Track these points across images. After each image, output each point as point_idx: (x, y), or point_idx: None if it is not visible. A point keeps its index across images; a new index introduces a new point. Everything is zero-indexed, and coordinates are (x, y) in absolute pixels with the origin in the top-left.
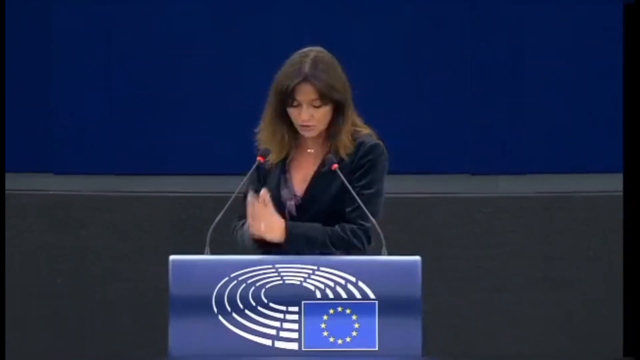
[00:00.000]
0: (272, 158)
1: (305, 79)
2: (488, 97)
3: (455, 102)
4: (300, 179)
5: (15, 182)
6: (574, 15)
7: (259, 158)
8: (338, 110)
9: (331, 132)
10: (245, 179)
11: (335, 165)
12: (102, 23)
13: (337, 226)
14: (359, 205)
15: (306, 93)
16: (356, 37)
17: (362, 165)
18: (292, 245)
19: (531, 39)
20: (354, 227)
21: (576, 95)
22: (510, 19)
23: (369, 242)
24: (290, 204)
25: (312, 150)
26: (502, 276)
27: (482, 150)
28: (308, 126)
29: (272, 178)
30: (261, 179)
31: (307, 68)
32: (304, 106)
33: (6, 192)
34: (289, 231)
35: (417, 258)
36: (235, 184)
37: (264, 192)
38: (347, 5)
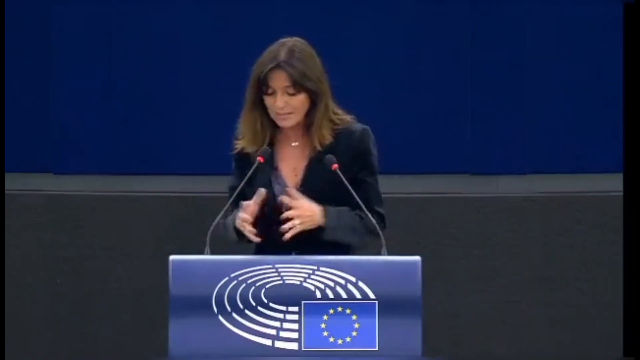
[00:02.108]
0: (248, 147)
1: (278, 66)
2: (488, 97)
3: (455, 102)
4: (290, 173)
5: (15, 182)
6: (574, 15)
7: (259, 158)
8: (313, 101)
9: (307, 122)
10: (245, 178)
11: (335, 166)
12: (102, 23)
13: (356, 211)
14: (365, 193)
15: (279, 79)
16: (355, 36)
17: (358, 152)
18: (330, 230)
19: (531, 38)
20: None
21: (576, 95)
22: (510, 19)
23: (383, 227)
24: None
25: (297, 143)
26: (502, 276)
27: (482, 150)
28: (284, 114)
29: (261, 176)
30: (249, 164)
31: (282, 55)
32: (279, 93)
33: (6, 192)
34: (326, 213)
35: (417, 258)
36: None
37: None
38: (346, 4)
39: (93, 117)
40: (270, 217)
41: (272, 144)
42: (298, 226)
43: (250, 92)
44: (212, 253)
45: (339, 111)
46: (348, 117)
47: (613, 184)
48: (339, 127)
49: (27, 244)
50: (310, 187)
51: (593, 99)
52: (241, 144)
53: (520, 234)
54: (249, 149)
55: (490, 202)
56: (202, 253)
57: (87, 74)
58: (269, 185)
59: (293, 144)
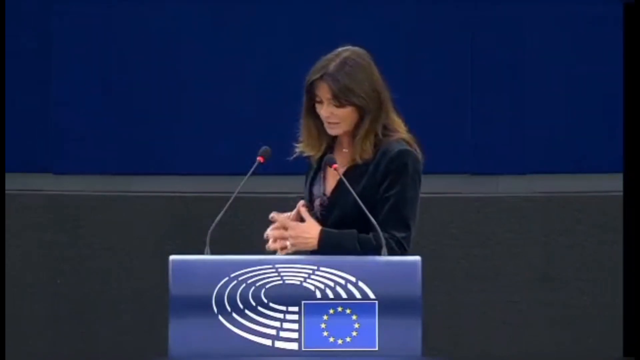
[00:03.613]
0: (306, 151)
1: (323, 77)
2: (488, 97)
3: (456, 102)
4: (332, 178)
5: (15, 182)
6: (574, 15)
7: (258, 158)
8: (362, 114)
9: (354, 134)
10: (245, 178)
11: (335, 166)
12: (102, 23)
13: (370, 234)
14: (386, 214)
15: (323, 91)
16: (355, 36)
17: (388, 172)
18: (323, 251)
19: (531, 38)
20: (387, 235)
21: (576, 96)
22: (510, 19)
23: (404, 251)
24: (317, 204)
25: (347, 150)
26: (502, 276)
27: (482, 150)
28: (331, 123)
29: (310, 173)
30: (307, 178)
31: (331, 67)
32: (325, 103)
33: (6, 192)
34: (321, 237)
35: (417, 258)
36: (235, 184)
37: (299, 204)
38: (346, 4)
39: (93, 117)
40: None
41: (331, 148)
42: (290, 247)
43: (304, 99)
44: (212, 253)
45: (399, 127)
46: (397, 135)
47: (613, 184)
48: (380, 143)
49: (27, 244)
50: (338, 196)
51: (593, 99)
52: (300, 147)
53: (520, 234)
54: (307, 153)
55: (490, 202)
56: (202, 253)
57: (87, 74)
58: (311, 185)
59: (344, 150)
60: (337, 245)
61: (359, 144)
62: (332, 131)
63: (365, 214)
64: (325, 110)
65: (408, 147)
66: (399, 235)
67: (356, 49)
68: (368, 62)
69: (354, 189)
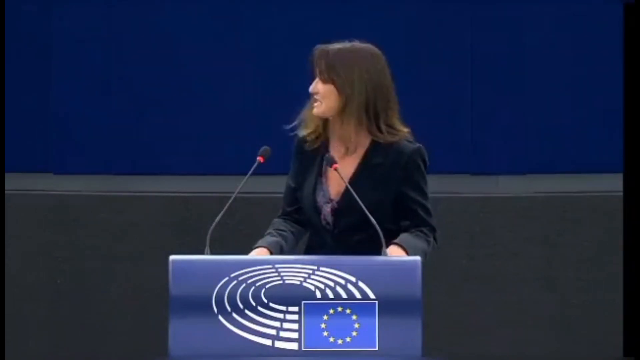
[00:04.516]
0: (302, 132)
1: (321, 49)
2: (488, 97)
3: (455, 102)
4: (336, 182)
5: (15, 182)
6: (574, 15)
7: (258, 158)
8: (345, 100)
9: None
10: (245, 178)
11: (336, 165)
12: (102, 23)
13: (421, 234)
14: (418, 210)
15: (318, 64)
16: (355, 36)
17: (409, 170)
18: None
19: (531, 38)
20: (428, 229)
21: (576, 95)
22: (510, 19)
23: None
24: (326, 210)
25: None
26: (501, 276)
27: (482, 150)
28: (315, 100)
29: (310, 179)
30: (302, 166)
31: (333, 46)
32: (317, 78)
33: (6, 192)
34: (408, 253)
35: (417, 258)
36: (235, 184)
37: None
38: (346, 4)
39: (93, 117)
40: (316, 222)
41: (326, 147)
42: None
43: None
44: (212, 253)
45: (399, 126)
46: (402, 134)
47: (613, 184)
48: (390, 141)
49: (27, 244)
50: (349, 200)
51: (593, 99)
52: (299, 129)
53: (520, 234)
54: (301, 133)
55: (490, 202)
56: (202, 253)
57: (87, 74)
58: (313, 191)
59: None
60: (420, 253)
61: (345, 129)
62: (315, 110)
63: (384, 218)
64: (313, 85)
65: (419, 144)
66: (434, 225)
67: (371, 47)
68: (372, 59)
69: (374, 192)
